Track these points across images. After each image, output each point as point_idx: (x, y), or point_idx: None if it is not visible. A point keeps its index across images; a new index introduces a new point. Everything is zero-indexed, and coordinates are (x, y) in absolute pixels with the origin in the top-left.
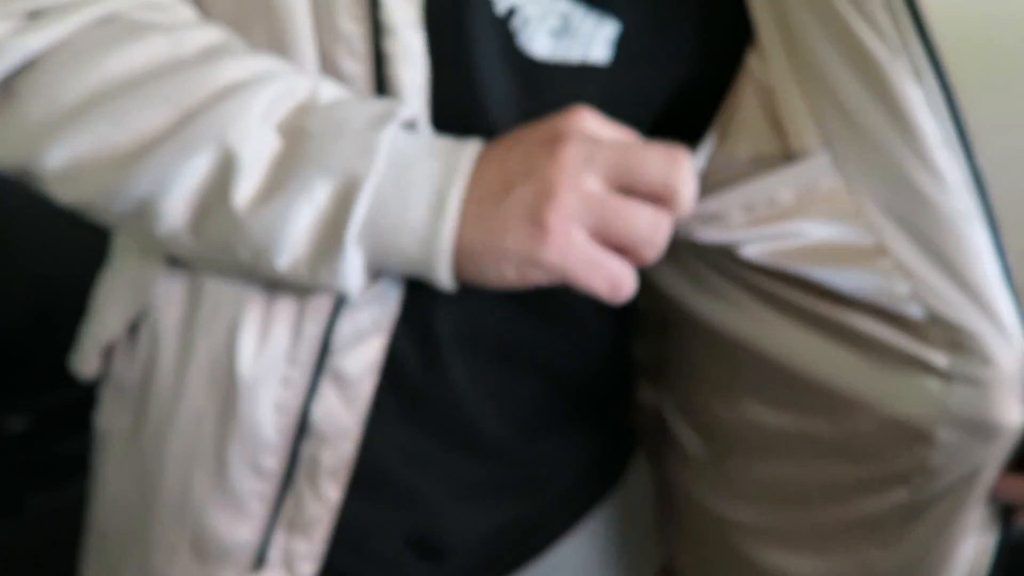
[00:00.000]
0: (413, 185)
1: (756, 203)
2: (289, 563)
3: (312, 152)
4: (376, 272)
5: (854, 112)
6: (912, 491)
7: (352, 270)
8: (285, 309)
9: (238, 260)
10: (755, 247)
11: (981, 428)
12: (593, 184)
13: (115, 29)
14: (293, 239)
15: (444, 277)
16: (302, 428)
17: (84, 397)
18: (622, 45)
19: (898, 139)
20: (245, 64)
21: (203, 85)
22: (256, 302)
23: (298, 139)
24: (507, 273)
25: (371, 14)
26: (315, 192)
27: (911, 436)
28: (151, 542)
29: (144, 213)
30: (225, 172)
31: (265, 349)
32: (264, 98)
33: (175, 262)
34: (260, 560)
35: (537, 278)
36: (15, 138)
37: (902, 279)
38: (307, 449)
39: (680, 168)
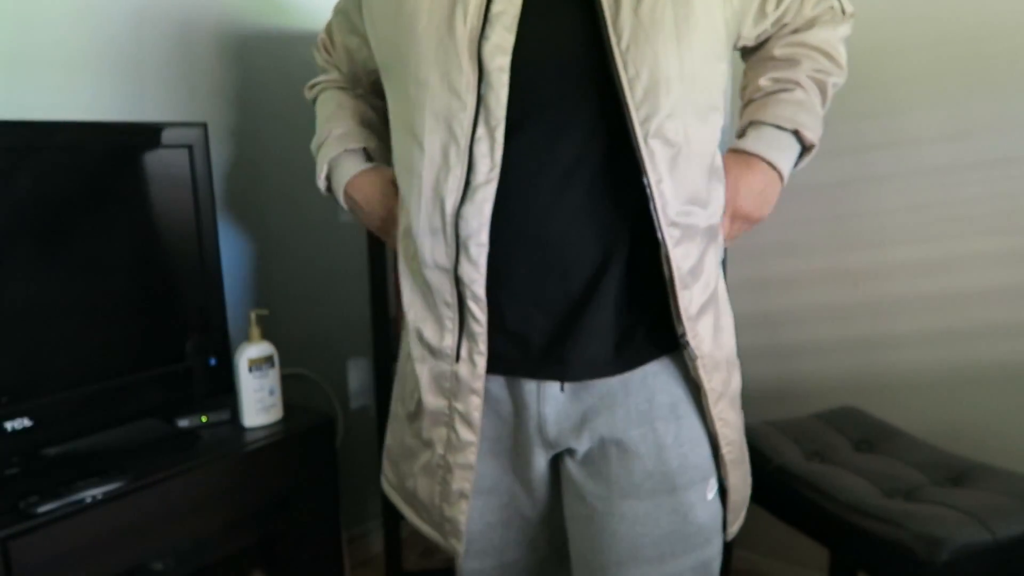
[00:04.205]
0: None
1: None
2: (471, 357)
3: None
4: None
5: None
6: None
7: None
8: (437, 215)
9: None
10: None
11: None
12: None
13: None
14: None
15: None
16: (457, 280)
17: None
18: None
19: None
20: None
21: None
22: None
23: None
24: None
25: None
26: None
27: None
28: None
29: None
30: None
31: (436, 246)
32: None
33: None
34: (457, 356)
35: None
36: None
37: None
38: (462, 291)
39: None
